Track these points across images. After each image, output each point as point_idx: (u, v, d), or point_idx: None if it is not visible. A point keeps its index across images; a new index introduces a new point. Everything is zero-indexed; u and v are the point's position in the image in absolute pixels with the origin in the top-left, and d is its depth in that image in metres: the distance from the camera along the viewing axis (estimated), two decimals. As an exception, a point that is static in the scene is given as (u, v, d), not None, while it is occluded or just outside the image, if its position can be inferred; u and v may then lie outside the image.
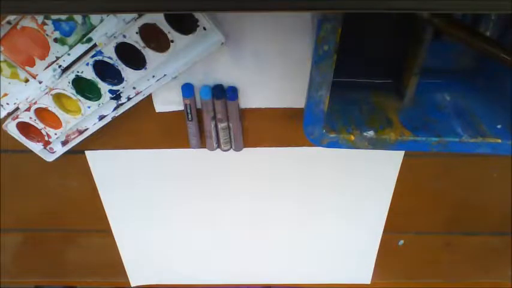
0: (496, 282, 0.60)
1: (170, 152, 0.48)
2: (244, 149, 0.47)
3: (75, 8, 0.22)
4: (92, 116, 0.42)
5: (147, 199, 0.53)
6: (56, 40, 0.38)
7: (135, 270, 0.61)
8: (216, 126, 0.44)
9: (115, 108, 0.42)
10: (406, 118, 0.35)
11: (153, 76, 0.40)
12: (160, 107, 0.44)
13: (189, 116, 0.44)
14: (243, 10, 0.22)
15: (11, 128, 0.43)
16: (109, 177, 0.51)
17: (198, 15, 0.35)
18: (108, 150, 0.48)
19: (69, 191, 0.53)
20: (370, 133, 0.33)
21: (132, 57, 0.38)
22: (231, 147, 0.47)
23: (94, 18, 0.36)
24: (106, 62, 0.38)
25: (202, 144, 0.47)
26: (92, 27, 0.37)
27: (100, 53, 0.37)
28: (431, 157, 0.47)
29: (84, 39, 0.37)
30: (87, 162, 0.49)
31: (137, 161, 0.49)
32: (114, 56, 0.37)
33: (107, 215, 0.55)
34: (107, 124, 0.43)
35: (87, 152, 0.48)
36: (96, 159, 0.49)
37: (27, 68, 0.39)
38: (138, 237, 0.57)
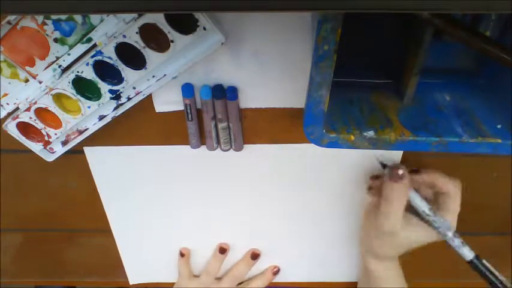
0: (496, 282, 0.60)
1: (170, 152, 0.48)
2: (244, 148, 0.47)
3: (75, 8, 0.22)
4: (92, 116, 0.42)
5: (146, 199, 0.53)
6: (56, 40, 0.38)
7: (133, 268, 0.61)
8: (216, 126, 0.44)
9: (115, 108, 0.42)
10: (406, 118, 0.35)
11: (153, 76, 0.40)
12: (160, 107, 0.44)
13: (189, 116, 0.44)
14: (243, 10, 0.22)
15: (11, 128, 0.43)
16: (109, 176, 0.51)
17: (198, 15, 0.35)
18: (108, 150, 0.48)
19: (69, 191, 0.53)
20: (370, 133, 0.33)
21: (132, 57, 0.38)
22: (231, 147, 0.47)
23: (94, 18, 0.36)
24: (106, 62, 0.38)
25: (202, 144, 0.47)
26: (92, 27, 0.37)
27: (100, 53, 0.37)
28: (431, 157, 0.47)
29: (84, 39, 0.37)
30: (87, 162, 0.49)
31: (137, 160, 0.49)
32: (114, 56, 0.37)
33: (106, 214, 0.55)
34: (106, 124, 0.43)
35: (86, 150, 0.48)
36: (95, 157, 0.49)
37: (27, 68, 0.39)
38: (137, 236, 0.57)
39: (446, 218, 0.40)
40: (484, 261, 0.38)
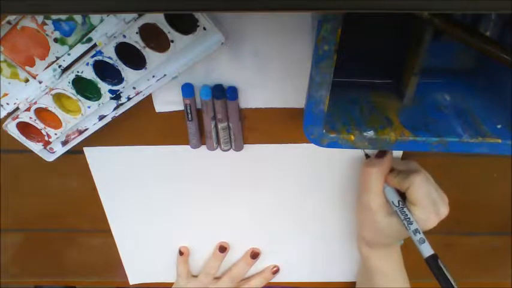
0: (496, 282, 0.60)
1: (170, 152, 0.48)
2: (244, 148, 0.47)
3: (75, 8, 0.22)
4: (92, 116, 0.42)
5: (146, 199, 0.53)
6: (56, 40, 0.38)
7: (133, 268, 0.61)
8: (216, 126, 0.44)
9: (115, 108, 0.42)
10: (406, 118, 0.35)
11: (153, 76, 0.40)
12: (160, 107, 0.44)
13: (189, 116, 0.44)
14: (243, 10, 0.22)
15: (11, 128, 0.43)
16: (109, 176, 0.51)
17: (198, 15, 0.35)
18: (107, 150, 0.48)
19: (69, 191, 0.53)
20: (370, 133, 0.33)
21: (132, 57, 0.38)
22: (231, 147, 0.47)
23: (94, 18, 0.36)
24: (106, 62, 0.38)
25: (202, 144, 0.47)
26: (92, 27, 0.37)
27: (100, 53, 0.37)
28: (431, 157, 0.47)
29: (84, 39, 0.37)
30: (87, 162, 0.49)
31: (137, 160, 0.49)
32: (114, 56, 0.37)
33: (106, 214, 0.55)
34: (107, 124, 0.43)
35: (86, 150, 0.48)
36: (95, 157, 0.49)
37: (27, 68, 0.39)
38: (137, 236, 0.57)
39: (413, 210, 0.40)
40: (440, 262, 0.39)
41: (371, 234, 0.45)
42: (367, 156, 0.45)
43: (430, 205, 0.40)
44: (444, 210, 0.41)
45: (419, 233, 0.40)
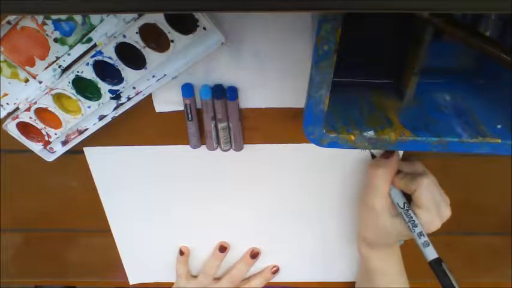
0: (496, 282, 0.60)
1: (170, 152, 0.48)
2: (244, 149, 0.47)
3: (75, 8, 0.22)
4: (92, 116, 0.42)
5: (146, 199, 0.53)
6: (56, 40, 0.38)
7: (133, 268, 0.61)
8: (216, 126, 0.44)
9: (115, 108, 0.42)
10: (406, 118, 0.35)
11: (153, 76, 0.40)
12: (160, 107, 0.44)
13: (189, 116, 0.44)
14: (243, 10, 0.22)
15: (11, 128, 0.43)
16: (108, 176, 0.51)
17: (198, 15, 0.35)
18: (107, 150, 0.48)
19: (69, 191, 0.53)
20: (370, 133, 0.33)
21: (132, 57, 0.38)
22: (231, 147, 0.47)
23: (94, 18, 0.36)
24: (106, 62, 0.38)
25: (202, 144, 0.47)
26: (92, 27, 0.37)
27: (100, 53, 0.37)
28: (431, 157, 0.47)
29: (84, 39, 0.37)
30: (87, 162, 0.49)
31: (137, 160, 0.49)
32: (114, 56, 0.37)
33: (106, 214, 0.55)
34: (106, 124, 0.43)
35: (86, 150, 0.48)
36: (95, 157, 0.49)
37: (27, 68, 0.39)
38: (137, 236, 0.57)
39: (418, 213, 0.40)
40: (444, 266, 0.38)
41: (373, 234, 0.45)
42: (373, 156, 0.45)
43: (434, 208, 0.40)
44: (447, 212, 0.41)
45: (424, 236, 0.39)
